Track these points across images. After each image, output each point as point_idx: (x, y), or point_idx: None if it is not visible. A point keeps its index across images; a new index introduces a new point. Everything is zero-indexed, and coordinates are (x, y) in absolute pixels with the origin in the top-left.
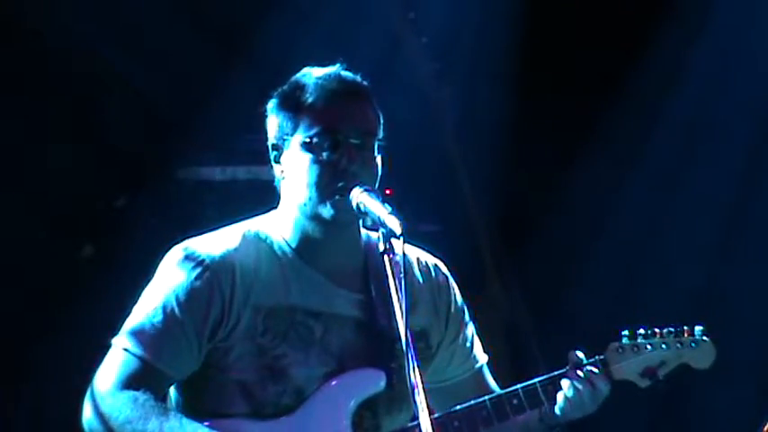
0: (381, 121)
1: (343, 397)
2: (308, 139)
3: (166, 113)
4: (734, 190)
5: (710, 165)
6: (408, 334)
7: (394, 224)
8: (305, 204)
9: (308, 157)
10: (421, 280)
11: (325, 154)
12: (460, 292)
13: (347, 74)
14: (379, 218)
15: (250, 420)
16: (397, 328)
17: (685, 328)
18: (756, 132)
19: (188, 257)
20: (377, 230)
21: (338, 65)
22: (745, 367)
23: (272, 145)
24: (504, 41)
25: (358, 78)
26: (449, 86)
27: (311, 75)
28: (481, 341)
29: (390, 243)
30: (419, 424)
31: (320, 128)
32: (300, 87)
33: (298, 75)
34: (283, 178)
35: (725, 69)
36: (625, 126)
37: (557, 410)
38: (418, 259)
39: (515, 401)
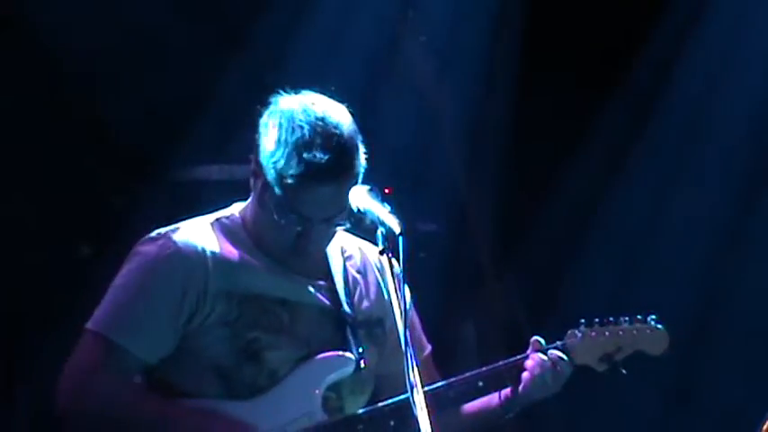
0: (356, 185)
1: (314, 379)
2: (278, 211)
3: (164, 112)
4: (732, 188)
5: (708, 163)
6: (406, 333)
7: (393, 223)
8: (264, 241)
9: (275, 217)
10: (377, 272)
11: (290, 228)
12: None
13: (330, 153)
14: (378, 217)
15: (225, 401)
16: (359, 313)
17: (638, 317)
18: (753, 131)
19: (162, 246)
20: (375, 230)
21: (333, 125)
22: (743, 364)
23: (254, 167)
24: (503, 40)
25: (347, 149)
26: (447, 85)
27: (301, 136)
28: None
29: (389, 242)
30: (372, 410)
31: (290, 212)
32: (286, 153)
33: (290, 122)
34: (253, 191)
35: (722, 67)
36: (625, 126)
37: (520, 391)
38: (372, 253)
39: (481, 383)
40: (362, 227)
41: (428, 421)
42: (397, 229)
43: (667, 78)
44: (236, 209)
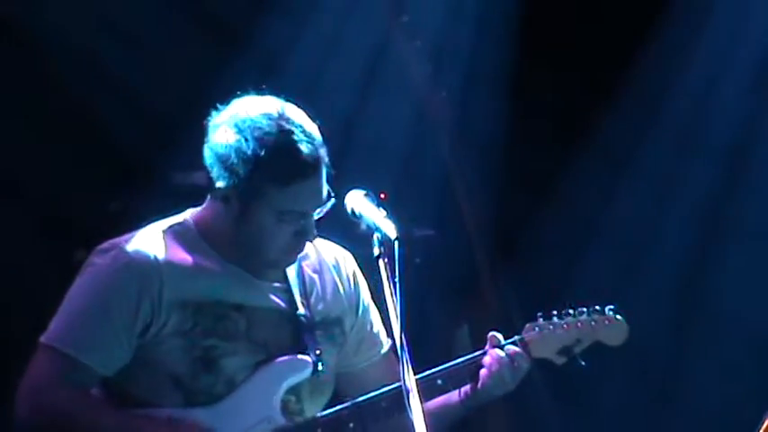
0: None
1: (272, 383)
2: (278, 215)
3: (162, 116)
4: (728, 192)
5: (705, 168)
6: (404, 337)
7: (389, 228)
8: (258, 254)
9: (276, 225)
10: (333, 271)
11: (293, 229)
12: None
13: (308, 143)
14: (373, 222)
15: (183, 409)
16: (316, 314)
17: (597, 307)
18: (752, 132)
19: (115, 258)
20: (371, 235)
21: (292, 119)
22: (742, 365)
23: (227, 184)
24: (499, 44)
25: (315, 142)
26: (443, 90)
27: (274, 144)
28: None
29: (384, 247)
30: (332, 413)
31: (292, 209)
32: (270, 166)
33: (254, 132)
34: (227, 202)
35: (718, 74)
36: (622, 130)
37: (479, 387)
38: (328, 252)
39: (440, 382)
40: (358, 232)
41: (424, 425)
42: (393, 235)
43: (667, 79)
44: (188, 214)
